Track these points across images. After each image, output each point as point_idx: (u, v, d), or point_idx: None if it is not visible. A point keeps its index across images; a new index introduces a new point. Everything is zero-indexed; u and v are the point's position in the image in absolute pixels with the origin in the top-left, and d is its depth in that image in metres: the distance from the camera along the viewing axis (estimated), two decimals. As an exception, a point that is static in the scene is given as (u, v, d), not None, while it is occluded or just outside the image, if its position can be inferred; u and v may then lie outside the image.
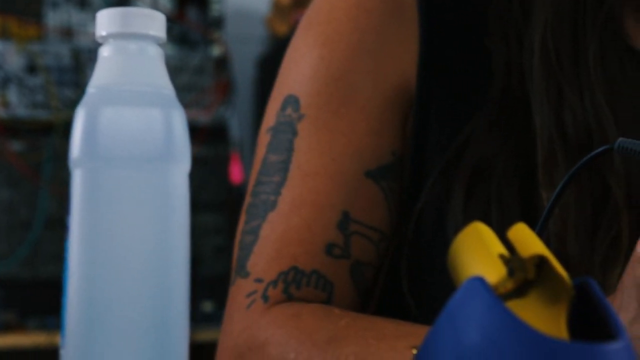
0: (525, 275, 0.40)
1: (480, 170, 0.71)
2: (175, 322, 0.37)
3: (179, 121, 0.39)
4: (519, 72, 0.72)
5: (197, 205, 2.06)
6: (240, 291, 0.70)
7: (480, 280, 0.36)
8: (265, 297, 0.68)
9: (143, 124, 0.37)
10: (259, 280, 0.69)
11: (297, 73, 0.74)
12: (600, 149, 0.60)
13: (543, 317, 0.39)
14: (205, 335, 1.75)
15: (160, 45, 0.40)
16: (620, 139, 0.59)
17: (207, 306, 2.01)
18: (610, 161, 0.69)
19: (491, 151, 0.71)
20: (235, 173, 2.11)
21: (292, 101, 0.73)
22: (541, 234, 0.62)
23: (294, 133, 0.72)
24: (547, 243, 0.68)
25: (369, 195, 0.72)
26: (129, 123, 0.37)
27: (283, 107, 0.73)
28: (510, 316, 0.35)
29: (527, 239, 0.39)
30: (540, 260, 0.39)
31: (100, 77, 0.39)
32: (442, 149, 0.72)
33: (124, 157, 0.37)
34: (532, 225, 0.69)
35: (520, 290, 0.40)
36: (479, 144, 0.71)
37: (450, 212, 0.70)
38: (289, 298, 0.69)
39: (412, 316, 0.69)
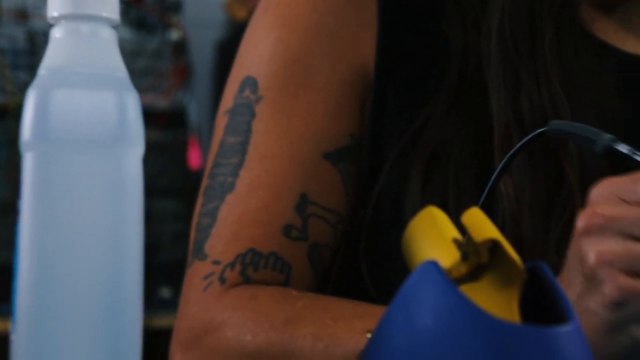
0: (479, 260, 0.40)
1: (438, 154, 0.71)
2: (128, 307, 0.37)
3: (132, 104, 0.38)
4: (476, 57, 0.73)
5: (155, 191, 2.05)
6: (197, 273, 0.70)
7: (434, 265, 0.36)
8: (222, 279, 0.68)
9: (95, 106, 0.37)
10: (216, 263, 0.69)
11: (256, 55, 0.74)
12: (534, 133, 0.60)
13: (496, 301, 0.40)
14: (163, 321, 1.75)
15: (115, 27, 0.40)
16: (552, 121, 0.60)
17: (165, 292, 2.00)
18: (564, 143, 0.70)
19: (448, 135, 0.71)
20: (194, 158, 2.10)
21: (250, 83, 0.73)
22: (490, 215, 0.63)
23: (252, 115, 0.72)
24: (503, 225, 0.68)
25: (327, 178, 0.72)
26: (81, 106, 0.37)
27: (241, 89, 0.73)
28: (463, 300, 0.35)
29: (480, 224, 0.40)
30: (494, 245, 0.40)
31: (52, 59, 0.39)
32: (400, 133, 0.73)
33: (76, 140, 0.37)
34: (488, 209, 0.70)
35: (473, 274, 0.41)
36: (436, 128, 0.72)
37: (408, 196, 0.71)
38: (246, 280, 0.69)
39: (371, 299, 0.69)
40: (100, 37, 0.39)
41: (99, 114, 0.37)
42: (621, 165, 0.70)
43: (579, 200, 0.69)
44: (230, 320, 0.66)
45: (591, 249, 0.54)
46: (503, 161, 0.61)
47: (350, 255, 0.74)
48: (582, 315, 0.55)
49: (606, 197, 0.55)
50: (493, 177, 0.62)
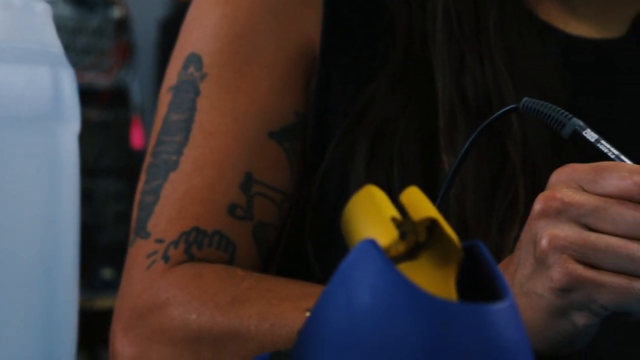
0: (417, 238, 0.40)
1: (383, 132, 0.71)
2: (62, 287, 0.36)
3: (67, 80, 0.38)
4: (421, 35, 0.73)
5: (98, 171, 2.03)
6: (140, 252, 0.69)
7: (372, 243, 0.36)
8: (166, 258, 0.68)
9: (28, 82, 0.36)
10: (159, 241, 0.69)
11: (200, 31, 0.73)
12: (506, 108, 0.61)
13: (433, 279, 0.40)
14: (105, 302, 1.73)
15: (54, 4, 0.39)
16: (526, 98, 0.61)
17: (108, 273, 1.98)
18: (509, 125, 0.71)
19: (393, 113, 0.72)
20: (137, 138, 2.08)
21: (194, 60, 0.72)
22: (445, 197, 0.63)
23: (197, 92, 0.72)
24: (447, 206, 0.69)
25: (272, 156, 0.72)
26: (13, 81, 0.36)
27: (185, 66, 0.73)
28: (401, 278, 0.35)
29: (419, 202, 0.40)
30: (432, 223, 0.40)
31: (-16, 33, 0.38)
32: (345, 111, 0.73)
33: (9, 116, 0.36)
34: (433, 188, 0.70)
35: (411, 253, 0.41)
36: (381, 105, 0.72)
37: (353, 174, 0.71)
38: (190, 258, 0.68)
39: (317, 279, 0.69)
40: (34, 11, 0.38)
41: (32, 90, 0.36)
42: (564, 152, 0.71)
43: (522, 182, 0.70)
44: (174, 299, 0.66)
45: (545, 232, 0.54)
46: (471, 138, 0.62)
47: (296, 234, 0.74)
48: (528, 297, 0.55)
49: (566, 182, 0.55)
50: (459, 158, 0.62)
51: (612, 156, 0.57)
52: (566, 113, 0.59)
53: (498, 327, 0.35)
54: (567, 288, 0.53)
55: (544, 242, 0.54)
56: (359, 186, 0.70)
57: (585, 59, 0.77)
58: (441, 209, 0.69)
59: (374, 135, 0.71)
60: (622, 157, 0.57)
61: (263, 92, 0.72)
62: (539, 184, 0.69)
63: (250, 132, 0.71)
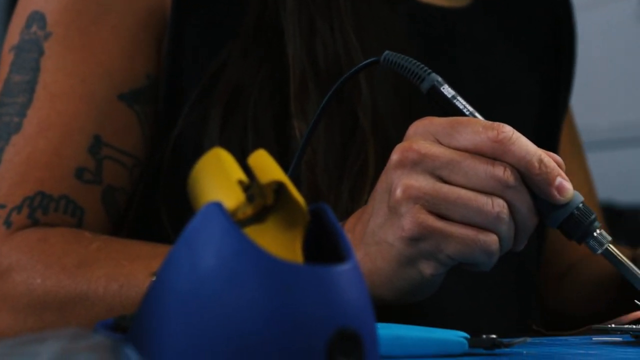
0: (264, 201, 0.40)
1: (236, 97, 0.71)
2: None
3: None
4: (273, 1, 0.72)
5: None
6: (-21, 218, 0.66)
7: (217, 205, 0.36)
8: (8, 223, 0.66)
9: None
10: (1, 206, 0.66)
11: None
12: (368, 60, 0.61)
13: (280, 242, 0.40)
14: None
15: None
16: (387, 51, 0.61)
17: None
18: (358, 91, 0.72)
19: (246, 79, 0.71)
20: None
21: (37, 18, 0.70)
22: (298, 163, 0.63)
23: (40, 52, 0.69)
24: (299, 172, 0.69)
25: (122, 119, 0.71)
26: None
27: (28, 25, 0.70)
28: (246, 241, 0.35)
29: (266, 165, 0.40)
30: (279, 186, 0.40)
31: None
32: (198, 75, 0.72)
33: None
34: (286, 154, 0.70)
35: (259, 216, 0.41)
36: (233, 71, 0.71)
37: (207, 139, 0.70)
38: (34, 224, 0.66)
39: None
40: None
41: None
42: (414, 118, 0.72)
43: (371, 148, 0.71)
44: (17, 264, 0.64)
45: (400, 182, 0.55)
46: (329, 93, 0.61)
47: (150, 199, 0.73)
48: (379, 245, 0.56)
49: (423, 134, 0.56)
50: (316, 114, 0.62)
51: (467, 113, 0.59)
52: (426, 68, 0.59)
53: (341, 289, 0.35)
54: (417, 237, 0.55)
55: (398, 192, 0.55)
56: None
57: (432, 26, 0.79)
58: (295, 175, 0.69)
59: (228, 100, 0.71)
60: (477, 114, 0.59)
61: (111, 54, 0.70)
62: (389, 150, 0.71)
63: (99, 94, 0.69)
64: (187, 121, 0.71)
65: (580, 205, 0.56)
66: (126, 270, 0.62)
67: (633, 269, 0.58)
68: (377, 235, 0.56)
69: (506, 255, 0.60)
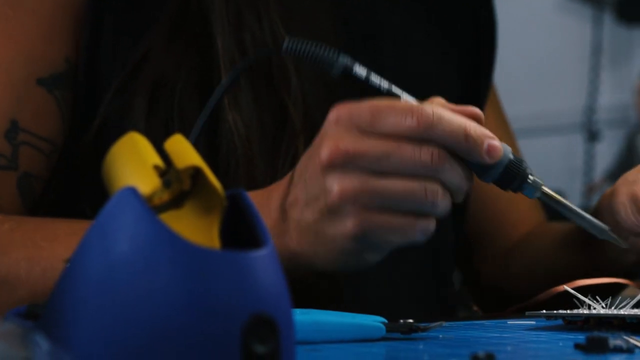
0: (181, 187, 0.40)
1: (161, 86, 0.70)
2: None
3: None
4: None
5: None
6: None
7: (131, 191, 0.36)
8: None
9: None
10: None
11: None
12: (266, 50, 0.60)
13: (197, 228, 0.40)
14: None
15: None
16: (289, 39, 0.60)
17: None
18: (288, 83, 0.71)
19: (171, 66, 0.70)
20: None
21: None
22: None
23: None
24: (236, 164, 0.69)
25: (41, 105, 0.69)
26: None
27: None
28: (160, 226, 0.35)
29: (183, 150, 0.39)
30: (196, 172, 0.40)
31: None
32: (119, 60, 0.71)
33: None
34: (213, 143, 0.70)
35: (176, 202, 0.40)
36: (158, 58, 0.70)
37: (131, 128, 0.69)
38: None
39: None
40: None
41: None
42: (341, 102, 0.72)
43: (301, 140, 0.71)
44: None
45: (335, 184, 0.55)
46: (230, 78, 0.61)
47: (70, 188, 0.72)
48: (318, 236, 0.57)
49: (346, 127, 0.56)
50: (215, 99, 0.62)
51: (384, 90, 0.59)
52: (333, 50, 0.59)
53: (256, 274, 0.35)
54: (361, 235, 0.55)
55: (334, 195, 0.55)
56: None
57: (356, 14, 0.79)
58: (231, 166, 0.69)
59: (153, 87, 0.70)
60: (393, 89, 0.59)
61: (30, 38, 0.69)
62: None
63: (17, 78, 0.68)
64: (109, 109, 0.70)
65: (511, 156, 0.58)
66: (46, 252, 0.60)
67: (568, 205, 0.60)
68: (315, 227, 0.57)
69: (422, 242, 0.61)
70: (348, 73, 0.59)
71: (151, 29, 0.71)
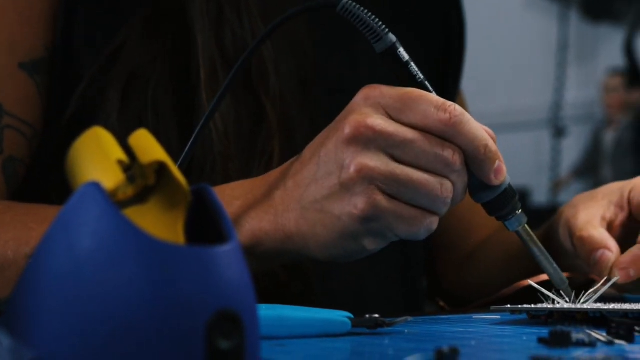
0: (146, 182, 0.40)
1: (135, 79, 0.70)
2: None
3: None
4: None
5: None
6: None
7: (95, 186, 0.35)
8: None
9: None
10: None
11: None
12: (324, 1, 0.59)
13: (161, 223, 0.40)
14: None
15: None
16: (346, 0, 0.58)
17: None
18: (267, 82, 0.71)
19: (146, 57, 0.70)
20: None
21: None
22: (195, 143, 0.62)
23: None
24: (213, 161, 0.69)
25: (23, 89, 0.69)
26: None
27: None
28: (123, 221, 0.35)
29: (147, 145, 0.39)
30: (160, 167, 0.39)
31: None
32: (92, 48, 0.71)
33: None
34: (188, 139, 0.70)
35: (141, 197, 0.40)
36: (133, 51, 0.70)
37: (105, 119, 0.69)
38: None
39: None
40: None
41: None
42: (316, 110, 0.72)
43: (277, 141, 0.71)
44: None
45: (354, 159, 0.54)
46: (255, 43, 0.60)
47: (42, 177, 0.71)
48: (322, 214, 0.56)
49: (374, 107, 0.55)
50: (230, 76, 0.60)
51: (419, 80, 0.58)
52: (384, 26, 0.58)
53: (221, 270, 0.35)
54: (369, 217, 0.55)
55: (352, 170, 0.54)
56: (112, 131, 0.69)
57: (329, 12, 0.79)
58: (208, 163, 0.68)
59: (126, 82, 0.70)
60: (427, 84, 0.58)
61: (11, 23, 0.69)
62: (293, 144, 0.70)
63: (0, 63, 0.68)
64: (83, 100, 0.70)
65: (508, 186, 0.58)
66: (36, 234, 0.60)
67: (541, 249, 0.61)
68: (321, 204, 0.56)
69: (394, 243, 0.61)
70: (392, 52, 0.58)
71: (127, 21, 0.71)
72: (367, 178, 0.54)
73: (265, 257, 0.59)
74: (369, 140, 0.54)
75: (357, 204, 0.55)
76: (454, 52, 0.89)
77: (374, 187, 0.54)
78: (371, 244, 0.56)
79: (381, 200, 0.54)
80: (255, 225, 0.58)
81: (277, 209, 0.58)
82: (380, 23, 0.58)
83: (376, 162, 0.54)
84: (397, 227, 0.55)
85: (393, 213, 0.55)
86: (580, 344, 0.45)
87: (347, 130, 0.55)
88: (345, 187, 0.55)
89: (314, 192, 0.56)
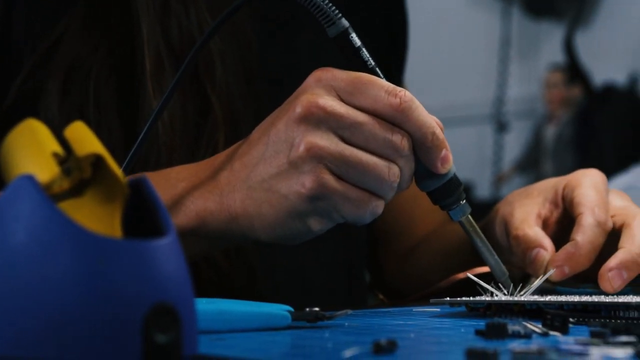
0: (82, 175, 0.39)
1: (77, 68, 0.69)
2: None
3: None
4: None
5: None
6: None
7: (28, 179, 0.35)
8: None
9: None
10: None
11: None
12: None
13: (98, 216, 0.39)
14: None
15: None
16: None
17: None
18: (213, 73, 0.71)
19: (87, 50, 0.69)
20: None
21: None
22: (144, 140, 0.61)
23: None
24: (158, 153, 0.68)
25: None
26: None
27: None
28: (58, 214, 0.34)
29: (83, 138, 0.39)
30: (97, 159, 0.39)
31: None
32: (32, 39, 0.70)
33: None
34: (131, 130, 0.69)
35: (77, 190, 0.40)
36: (73, 42, 0.69)
37: (45, 112, 0.68)
38: None
39: None
40: None
41: None
42: (263, 104, 0.71)
43: (222, 134, 0.70)
44: None
45: (304, 138, 0.55)
46: (203, 38, 0.60)
47: None
48: (269, 193, 0.56)
49: (326, 89, 0.55)
50: (178, 74, 0.60)
51: (370, 66, 0.58)
52: (337, 11, 0.58)
53: (158, 263, 0.35)
54: (316, 196, 0.55)
55: (302, 148, 0.54)
56: (53, 125, 0.68)
57: (275, 7, 0.79)
58: (152, 154, 0.68)
59: (66, 73, 0.69)
60: (377, 70, 0.59)
61: None
62: (238, 135, 0.70)
63: None
64: (22, 92, 0.69)
65: (453, 175, 0.59)
66: None
67: (484, 240, 0.62)
68: (268, 183, 0.56)
69: (335, 233, 0.61)
70: (345, 36, 0.58)
71: (67, 12, 0.70)
72: (316, 157, 0.55)
73: (210, 237, 0.59)
74: (319, 120, 0.55)
75: (304, 182, 0.55)
76: (397, 50, 0.90)
77: (322, 166, 0.55)
78: (317, 224, 0.57)
79: (329, 179, 0.55)
80: (200, 205, 0.58)
81: (223, 189, 0.58)
82: (334, 8, 0.58)
83: (326, 141, 0.55)
84: (344, 208, 0.55)
85: (340, 193, 0.55)
86: (516, 335, 0.46)
87: (299, 109, 0.55)
88: (294, 165, 0.55)
89: (261, 171, 0.56)
